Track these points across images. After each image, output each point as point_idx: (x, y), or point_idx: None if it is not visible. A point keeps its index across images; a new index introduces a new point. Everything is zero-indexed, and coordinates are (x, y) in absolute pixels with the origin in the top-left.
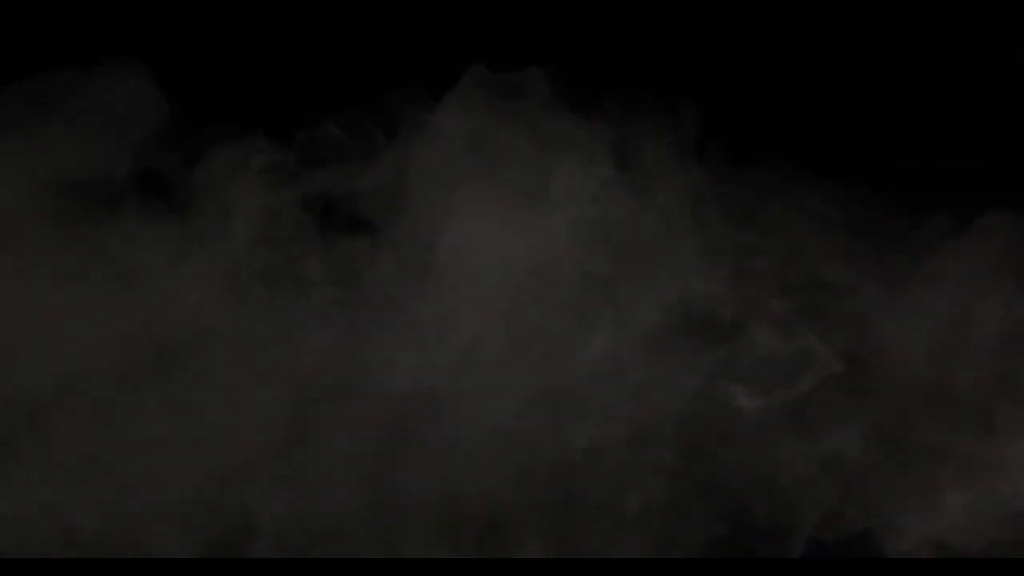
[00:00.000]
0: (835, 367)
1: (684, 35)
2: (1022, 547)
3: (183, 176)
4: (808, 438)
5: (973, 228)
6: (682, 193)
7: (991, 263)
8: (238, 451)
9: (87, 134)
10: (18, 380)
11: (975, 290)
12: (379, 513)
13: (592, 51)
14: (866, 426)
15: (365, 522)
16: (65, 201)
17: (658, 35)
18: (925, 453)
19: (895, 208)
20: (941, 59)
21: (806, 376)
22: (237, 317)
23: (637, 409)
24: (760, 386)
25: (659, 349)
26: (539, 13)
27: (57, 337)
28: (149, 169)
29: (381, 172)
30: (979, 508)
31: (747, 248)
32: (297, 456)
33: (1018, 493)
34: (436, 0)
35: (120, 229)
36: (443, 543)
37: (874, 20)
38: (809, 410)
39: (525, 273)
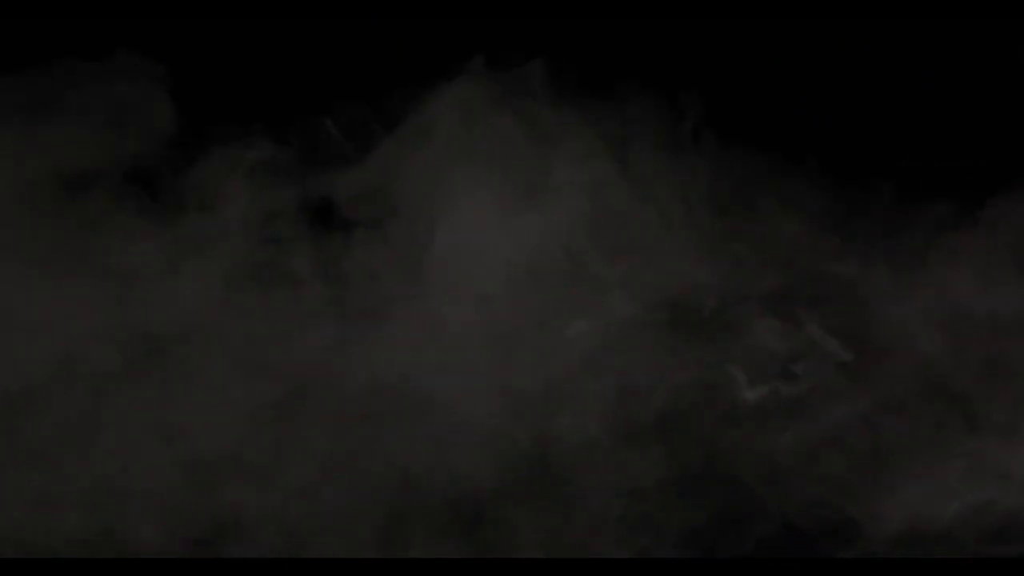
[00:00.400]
0: (843, 356)
1: (685, 31)
2: (1008, 540)
3: (178, 173)
4: (806, 427)
5: (974, 220)
6: (681, 186)
7: (993, 254)
8: (224, 448)
9: (87, 128)
10: (2, 375)
11: (976, 281)
12: (367, 510)
13: (591, 46)
14: (865, 416)
15: (353, 519)
16: (60, 194)
17: (659, 30)
18: (920, 444)
19: (897, 201)
20: (941, 59)
21: (813, 366)
22: (228, 314)
23: (634, 402)
24: (765, 377)
25: (658, 342)
26: (538, 8)
27: (44, 333)
28: (145, 165)
29: (378, 168)
30: (971, 501)
31: (747, 240)
32: (283, 453)
33: (1011, 488)
34: None
35: (114, 224)
36: (433, 540)
37: (874, 20)
38: (810, 400)
39: (519, 268)
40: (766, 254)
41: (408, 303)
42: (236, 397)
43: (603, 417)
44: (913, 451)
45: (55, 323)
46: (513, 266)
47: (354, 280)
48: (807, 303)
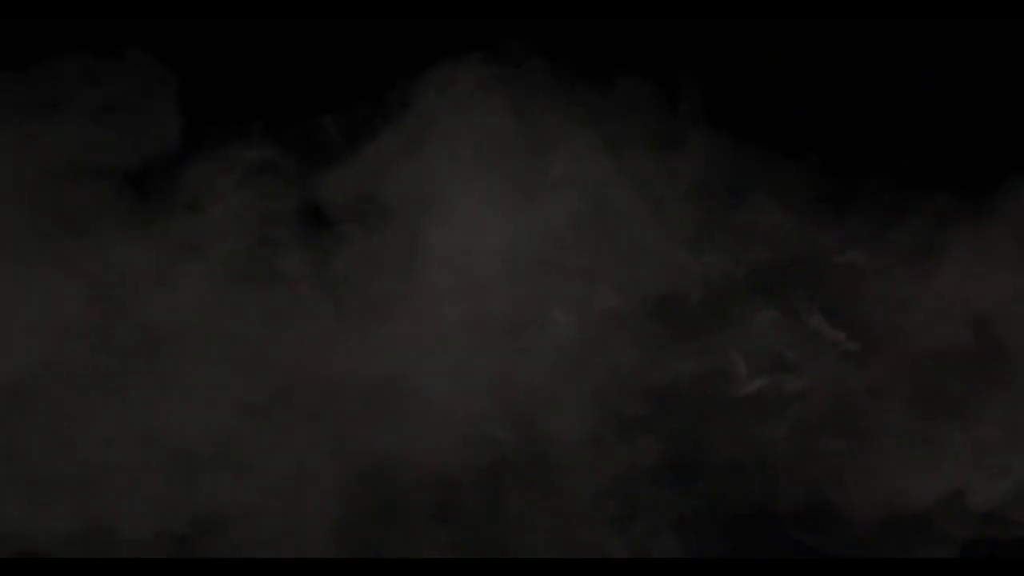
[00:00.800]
0: (850, 346)
1: (685, 24)
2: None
3: (176, 172)
4: (802, 414)
5: (975, 213)
6: (678, 179)
7: (992, 248)
8: (216, 445)
9: (85, 126)
10: None
11: (976, 274)
12: (354, 507)
13: (587, 40)
14: (858, 403)
15: (341, 516)
16: (57, 192)
17: (657, 23)
18: (911, 431)
19: (897, 196)
20: (941, 59)
21: (820, 357)
22: (226, 313)
23: (636, 393)
24: (766, 368)
25: (659, 335)
26: (537, 5)
27: (39, 330)
28: (143, 164)
29: (373, 166)
30: (959, 487)
31: (746, 233)
32: (276, 450)
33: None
34: None
35: (111, 223)
36: (421, 538)
37: (874, 20)
38: (809, 389)
39: (515, 262)
40: (766, 246)
41: (403, 300)
42: (229, 395)
43: (599, 409)
44: (903, 438)
45: (50, 320)
46: (509, 260)
47: (349, 278)
48: (809, 294)
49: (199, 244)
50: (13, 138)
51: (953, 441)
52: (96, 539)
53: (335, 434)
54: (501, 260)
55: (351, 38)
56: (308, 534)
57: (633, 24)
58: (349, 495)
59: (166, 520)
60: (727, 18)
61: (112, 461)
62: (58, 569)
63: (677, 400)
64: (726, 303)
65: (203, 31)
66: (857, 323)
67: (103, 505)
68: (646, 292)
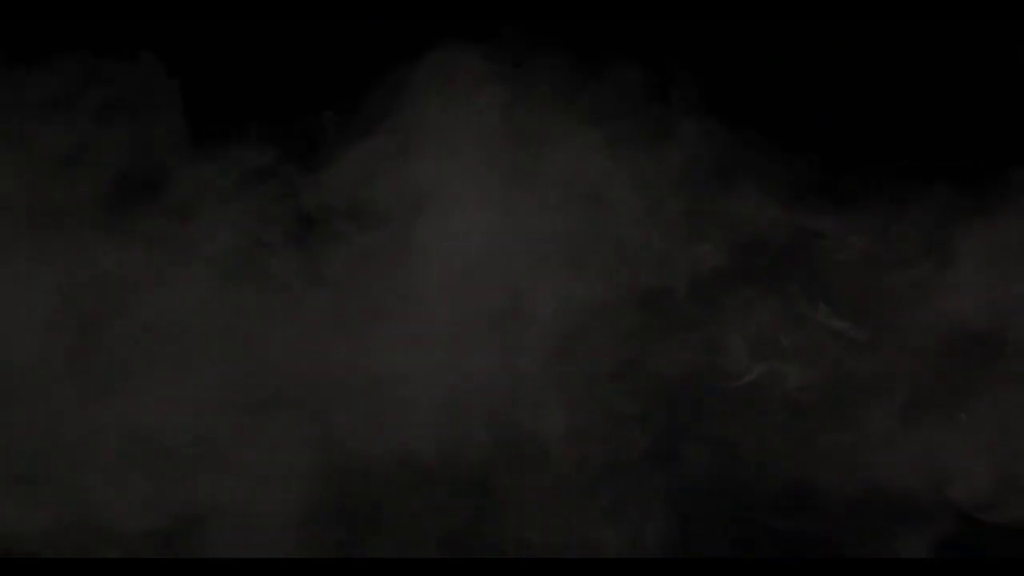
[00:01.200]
0: (857, 336)
1: (685, 25)
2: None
3: (172, 171)
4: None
5: (974, 210)
6: (677, 173)
7: (996, 242)
8: (200, 443)
9: (83, 125)
10: None
11: (976, 270)
12: (346, 507)
13: (586, 37)
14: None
15: (333, 514)
16: (53, 191)
17: (657, 22)
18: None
19: (897, 192)
20: (941, 59)
21: (819, 347)
22: (222, 314)
23: (630, 385)
24: (766, 357)
25: (658, 328)
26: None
27: (23, 327)
28: (140, 163)
29: (367, 165)
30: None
31: (745, 225)
32: (273, 448)
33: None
34: None
35: (106, 222)
36: (414, 539)
37: (874, 19)
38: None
39: (512, 256)
40: (765, 239)
41: (401, 298)
42: (221, 393)
43: (596, 403)
44: (894, 428)
45: (43, 318)
46: (505, 256)
47: (346, 277)
48: (807, 285)
49: (196, 244)
50: (13, 137)
51: (943, 433)
52: (84, 537)
53: (334, 434)
54: (497, 256)
55: (350, 37)
56: (298, 533)
57: (630, 20)
58: (344, 494)
59: (155, 518)
60: (728, 16)
61: (105, 461)
62: (44, 569)
63: (677, 392)
64: (724, 294)
65: (202, 31)
66: (856, 314)
67: (90, 502)
68: (644, 285)
